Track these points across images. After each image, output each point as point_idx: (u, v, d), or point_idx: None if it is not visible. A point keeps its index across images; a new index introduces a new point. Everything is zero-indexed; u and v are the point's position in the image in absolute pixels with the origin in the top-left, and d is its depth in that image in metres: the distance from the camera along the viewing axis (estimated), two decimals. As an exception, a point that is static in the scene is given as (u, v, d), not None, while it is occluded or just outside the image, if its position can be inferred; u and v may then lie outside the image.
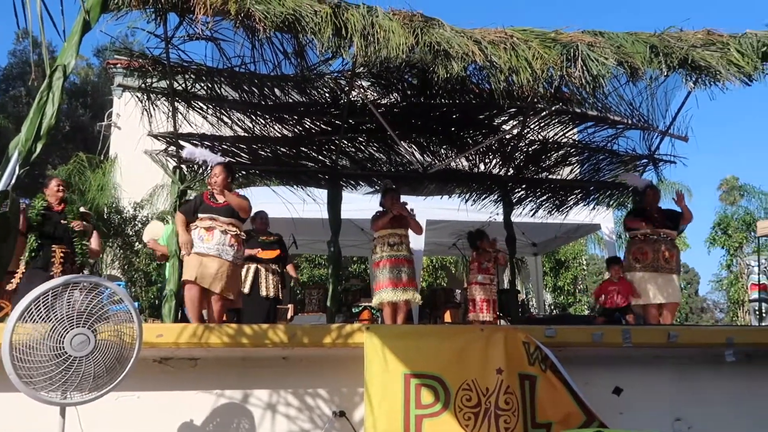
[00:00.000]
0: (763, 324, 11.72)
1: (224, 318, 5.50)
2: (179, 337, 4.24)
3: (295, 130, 7.32)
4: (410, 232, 6.38)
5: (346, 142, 7.52)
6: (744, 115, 72.13)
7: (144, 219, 14.14)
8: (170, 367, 4.45)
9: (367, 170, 7.90)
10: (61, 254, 5.73)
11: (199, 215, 5.40)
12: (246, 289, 6.98)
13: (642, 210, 6.91)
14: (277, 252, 7.24)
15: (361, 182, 8.07)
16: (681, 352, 4.94)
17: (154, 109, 6.64)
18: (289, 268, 7.53)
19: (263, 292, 7.08)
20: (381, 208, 6.51)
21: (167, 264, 6.70)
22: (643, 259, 6.52)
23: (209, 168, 5.83)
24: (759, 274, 14.22)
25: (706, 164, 57.40)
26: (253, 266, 7.10)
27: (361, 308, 10.16)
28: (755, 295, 14.89)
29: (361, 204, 8.46)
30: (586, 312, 18.88)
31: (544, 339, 4.51)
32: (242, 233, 5.55)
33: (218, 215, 5.36)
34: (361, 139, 7.61)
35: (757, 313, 14.41)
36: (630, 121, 7.62)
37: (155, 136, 6.96)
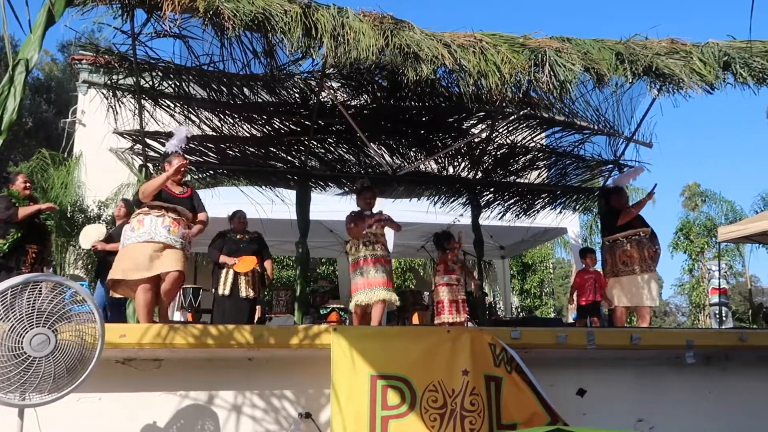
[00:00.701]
0: (723, 327, 11.99)
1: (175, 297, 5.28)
2: (143, 337, 4.17)
3: (264, 130, 7.28)
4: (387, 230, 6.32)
5: (315, 142, 7.51)
6: (706, 123, 73.91)
7: (109, 218, 13.91)
8: (133, 368, 4.38)
9: (337, 171, 7.90)
10: (33, 254, 5.60)
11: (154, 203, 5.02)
12: (226, 291, 6.92)
13: (618, 211, 6.81)
14: (254, 263, 7.12)
15: (330, 183, 8.07)
16: (643, 354, 5.04)
17: (119, 107, 6.54)
18: (267, 265, 7.51)
19: (243, 293, 7.02)
20: (356, 208, 6.43)
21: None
22: (629, 261, 6.50)
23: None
24: (719, 279, 14.56)
25: (670, 171, 58.62)
26: (231, 270, 7.05)
27: (329, 310, 10.16)
28: (715, 299, 15.24)
29: (330, 205, 8.46)
30: (552, 315, 19.12)
31: (509, 341, 4.55)
32: (190, 227, 5.18)
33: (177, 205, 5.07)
34: (330, 140, 7.61)
35: (717, 316, 14.75)
36: (596, 127, 7.76)
37: (121, 134, 6.85)
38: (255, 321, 7.27)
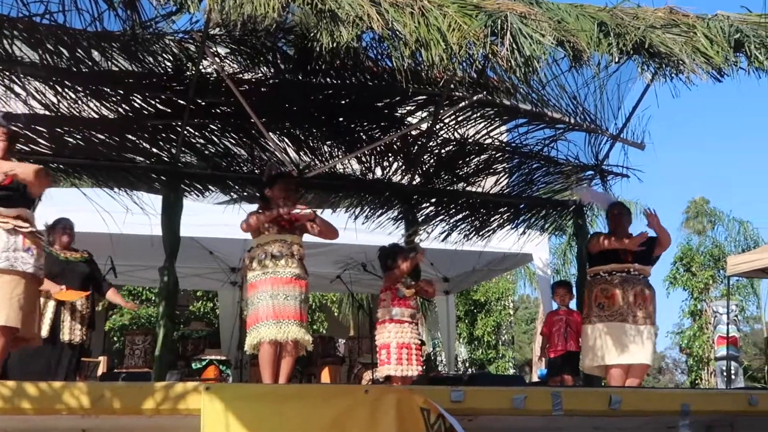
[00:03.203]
0: (731, 388, 12.36)
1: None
2: None
3: (120, 109, 7.19)
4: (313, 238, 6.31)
5: (191, 129, 7.46)
6: (716, 121, 77.25)
7: None
8: None
9: (221, 170, 7.86)
10: None
11: None
12: (44, 332, 6.74)
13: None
14: (86, 292, 7.04)
15: (210, 187, 8.01)
16: (626, 423, 5.18)
17: None
18: (111, 295, 7.31)
19: (65, 336, 6.90)
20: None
21: None
22: (608, 304, 6.64)
23: None
24: (728, 324, 15.02)
25: (669, 181, 60.95)
26: (52, 300, 6.90)
27: (205, 363, 10.01)
28: (723, 351, 15.80)
29: (210, 217, 8.38)
30: (512, 371, 19.47)
31: (449, 404, 4.58)
32: (38, 231, 5.16)
33: None
34: (213, 126, 7.57)
35: (725, 374, 15.30)
36: (573, 120, 8.01)
37: None
38: (79, 376, 7.16)
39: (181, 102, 7.07)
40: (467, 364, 18.94)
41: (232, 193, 8.11)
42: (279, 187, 5.98)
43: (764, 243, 21.01)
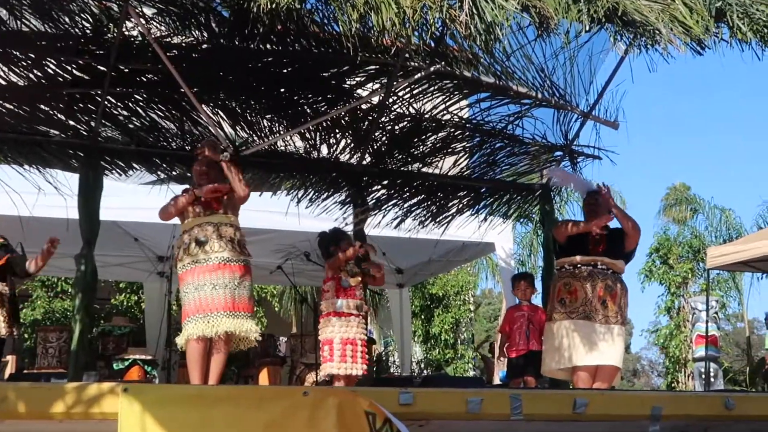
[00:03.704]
0: (714, 390, 12.48)
1: None
2: None
3: (32, 76, 7.13)
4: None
5: (113, 99, 7.40)
6: (700, 97, 78.35)
7: None
8: None
9: (147, 147, 7.82)
10: None
11: None
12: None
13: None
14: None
15: (135, 165, 7.96)
16: (592, 427, 5.24)
17: None
18: (33, 266, 7.15)
19: None
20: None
21: None
22: (570, 300, 6.69)
23: None
24: (707, 322, 15.25)
25: (647, 165, 61.73)
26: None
27: (128, 363, 9.95)
28: (701, 352, 16.05)
29: (134, 199, 8.37)
30: (472, 372, 19.57)
31: (397, 408, 4.59)
32: None
33: None
34: (138, 97, 7.53)
35: (704, 376, 15.55)
36: (540, 95, 8.05)
37: None
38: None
39: (102, 68, 6.99)
40: (422, 365, 19.00)
41: (159, 173, 8.06)
42: (197, 162, 6.04)
43: (747, 233, 21.37)
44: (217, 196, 5.93)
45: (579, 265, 6.75)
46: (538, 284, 8.79)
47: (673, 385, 23.64)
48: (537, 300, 9.01)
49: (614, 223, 6.88)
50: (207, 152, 6.02)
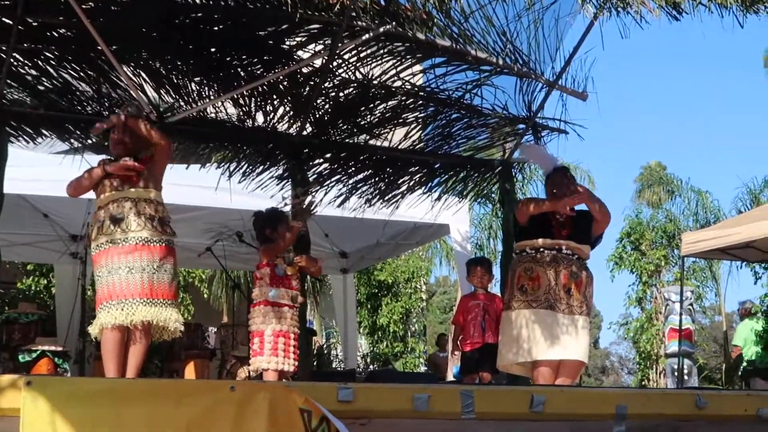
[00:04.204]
0: (684, 388, 12.64)
1: None
2: None
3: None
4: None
5: (20, 57, 7.32)
6: (675, 72, 79.21)
7: None
8: None
9: (58, 111, 7.75)
10: None
11: None
12: None
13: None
14: None
15: (44, 131, 7.92)
16: (551, 428, 5.28)
17: None
18: None
19: None
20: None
21: None
22: (532, 287, 6.73)
23: None
24: (681, 314, 15.47)
25: (619, 142, 62.28)
26: None
27: (35, 355, 9.86)
28: (674, 347, 16.29)
29: (43, 171, 8.33)
30: (423, 368, 19.66)
31: (336, 405, 4.59)
32: None
33: None
34: (48, 54, 7.43)
35: (676, 374, 15.79)
36: (501, 61, 8.06)
37: None
38: None
39: (7, 21, 6.86)
40: (368, 360, 19.07)
41: (72, 141, 8.00)
42: (114, 130, 5.97)
43: (726, 218, 21.68)
44: (129, 174, 5.86)
45: (542, 249, 6.80)
46: (497, 270, 8.85)
47: (643, 383, 23.96)
48: (495, 288, 9.08)
49: (580, 206, 6.92)
50: (125, 120, 5.93)
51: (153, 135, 5.93)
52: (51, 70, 7.52)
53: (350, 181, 9.01)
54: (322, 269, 7.72)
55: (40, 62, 7.44)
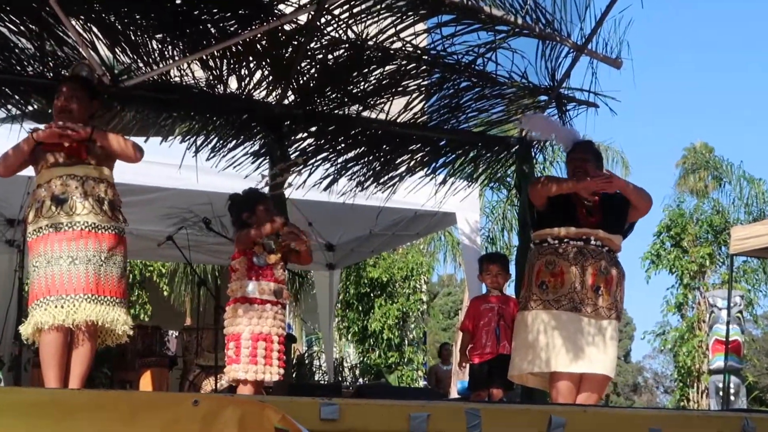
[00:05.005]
0: (729, 410, 12.59)
1: None
2: None
3: None
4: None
5: (-51, 9, 7.29)
6: (732, 35, 79.15)
7: None
8: None
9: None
10: None
11: None
12: None
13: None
14: None
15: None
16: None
17: None
18: None
19: None
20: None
21: None
22: (554, 285, 6.65)
23: None
24: (728, 323, 15.42)
25: (657, 117, 62.30)
26: None
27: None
28: (719, 361, 16.29)
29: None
30: (422, 382, 19.69)
31: (318, 424, 4.61)
32: None
33: None
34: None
35: (722, 394, 15.79)
36: (520, 21, 8.04)
37: None
38: None
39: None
40: (357, 372, 19.08)
41: (10, 106, 8.03)
42: (58, 95, 6.01)
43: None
44: (66, 140, 5.84)
45: (566, 240, 6.69)
46: (513, 269, 8.80)
47: (682, 403, 23.93)
48: (510, 290, 9.05)
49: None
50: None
51: (128, 150, 6.00)
52: (-14, 24, 7.53)
53: (339, 160, 9.05)
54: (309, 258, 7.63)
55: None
